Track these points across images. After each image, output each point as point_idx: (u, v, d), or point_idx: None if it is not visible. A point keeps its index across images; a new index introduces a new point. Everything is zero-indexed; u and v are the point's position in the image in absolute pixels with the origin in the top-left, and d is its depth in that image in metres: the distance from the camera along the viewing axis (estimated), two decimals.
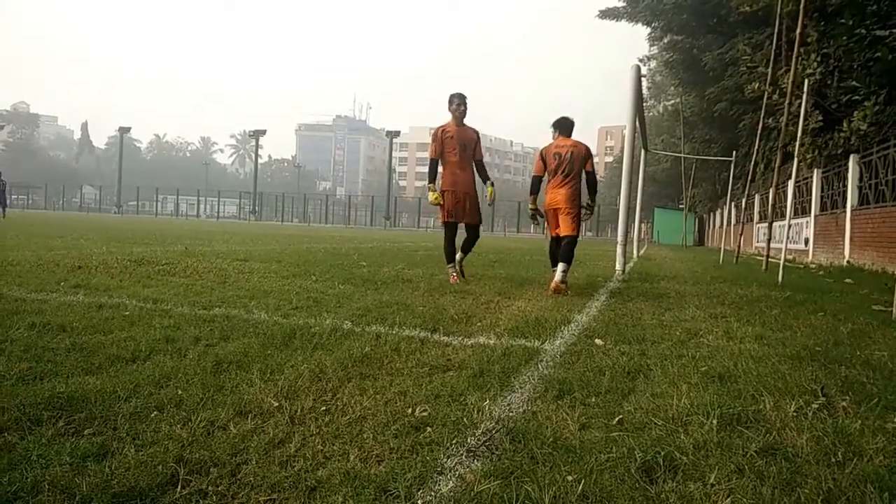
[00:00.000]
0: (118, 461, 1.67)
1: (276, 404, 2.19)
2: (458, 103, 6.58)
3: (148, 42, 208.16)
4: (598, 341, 3.55)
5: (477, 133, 6.78)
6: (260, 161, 71.68)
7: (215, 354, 2.82)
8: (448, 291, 5.67)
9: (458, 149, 6.57)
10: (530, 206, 6.92)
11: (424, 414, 2.16)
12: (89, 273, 5.73)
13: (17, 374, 2.36)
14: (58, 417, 1.97)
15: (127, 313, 3.71)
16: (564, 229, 6.38)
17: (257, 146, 64.00)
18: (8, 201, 26.67)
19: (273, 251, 10.39)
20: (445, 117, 6.61)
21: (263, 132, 61.04)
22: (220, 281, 5.68)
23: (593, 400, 2.41)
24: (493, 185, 6.87)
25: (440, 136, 6.57)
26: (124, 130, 64.07)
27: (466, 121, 6.66)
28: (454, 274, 6.70)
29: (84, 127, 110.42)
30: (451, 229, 6.68)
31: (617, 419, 2.18)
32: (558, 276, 6.03)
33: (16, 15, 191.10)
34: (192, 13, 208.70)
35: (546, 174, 6.55)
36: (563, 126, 6.60)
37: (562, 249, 6.30)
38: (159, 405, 2.12)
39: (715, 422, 2.14)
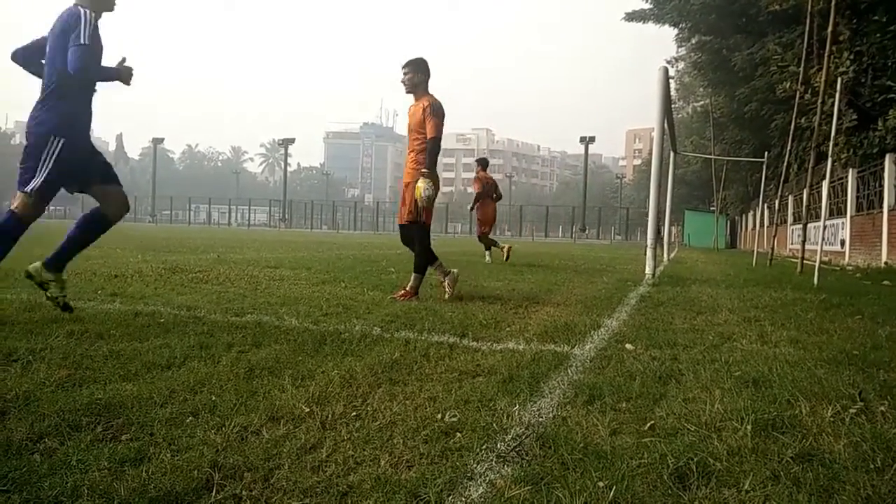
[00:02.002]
0: (155, 466, 1.71)
1: (308, 410, 2.21)
2: (404, 73, 5.54)
3: (179, 53, 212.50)
4: (628, 346, 3.52)
5: (426, 104, 5.41)
6: (289, 169, 72.63)
7: (248, 361, 2.86)
8: (476, 297, 5.68)
9: (408, 130, 5.64)
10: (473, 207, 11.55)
11: (454, 419, 2.16)
12: (125, 281, 5.85)
13: (56, 380, 2.43)
14: (96, 423, 2.01)
15: (162, 321, 3.79)
16: (489, 229, 11.49)
17: (286, 154, 64.77)
18: None
19: (303, 258, 10.50)
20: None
21: (292, 141, 61.81)
22: (252, 288, 5.76)
23: (624, 405, 2.39)
24: (426, 178, 5.38)
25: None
26: (157, 141, 65.43)
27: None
28: (445, 284, 5.65)
29: (119, 138, 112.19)
30: (402, 231, 5.81)
31: (648, 425, 2.16)
32: (489, 257, 11.18)
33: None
34: (219, 25, 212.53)
35: (481, 192, 11.31)
36: (486, 163, 11.60)
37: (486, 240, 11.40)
38: (194, 411, 2.16)
39: (749, 427, 2.10)
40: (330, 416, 2.17)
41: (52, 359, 2.76)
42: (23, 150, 3.69)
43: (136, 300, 4.66)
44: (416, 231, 5.64)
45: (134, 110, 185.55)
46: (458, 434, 2.03)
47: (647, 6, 25.03)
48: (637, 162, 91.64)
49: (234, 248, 13.60)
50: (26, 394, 2.24)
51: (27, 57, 3.85)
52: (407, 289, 5.53)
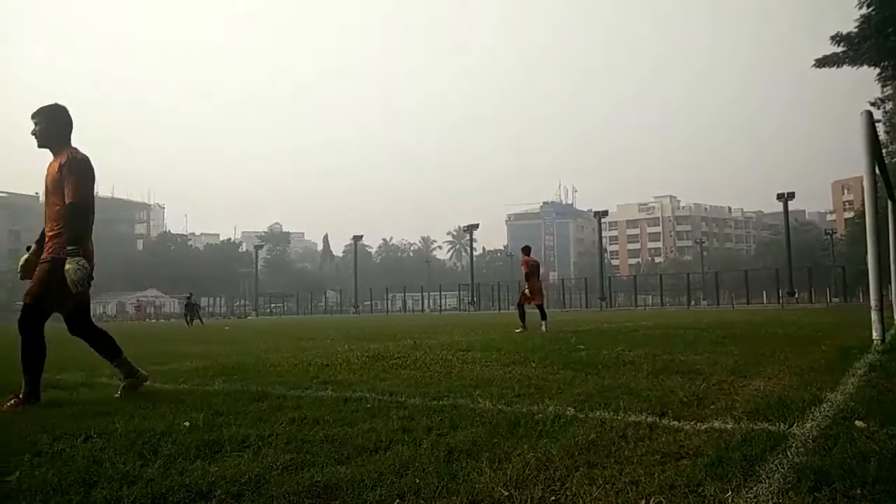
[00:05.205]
0: None
1: (507, 494, 2.23)
2: (34, 123, 4.52)
3: (371, 159, 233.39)
4: (858, 423, 3.12)
5: (63, 160, 4.40)
6: (475, 254, 75.02)
7: (447, 443, 2.96)
8: (675, 372, 5.36)
9: (45, 194, 4.53)
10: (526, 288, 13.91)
11: None
12: (335, 370, 6.35)
13: (282, 464, 2.69)
14: None
15: (368, 406, 4.05)
16: (541, 300, 13.96)
17: (472, 240, 67.21)
18: (199, 313, 34.71)
19: (492, 340, 10.68)
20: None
21: (476, 226, 64.12)
22: (446, 372, 5.96)
23: (859, 491, 2.12)
24: (74, 256, 4.25)
25: None
26: (357, 238, 71.37)
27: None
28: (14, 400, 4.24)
29: (325, 239, 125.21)
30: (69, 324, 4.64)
31: None
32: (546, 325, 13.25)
33: (264, 156, 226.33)
34: (402, 129, 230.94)
35: (529, 272, 13.93)
36: (529, 249, 14.53)
37: (540, 311, 13.83)
38: (400, 493, 2.28)
39: None
40: (529, 500, 2.17)
41: (277, 444, 3.06)
42: None
43: (345, 387, 5.03)
44: (22, 317, 4.36)
45: (337, 212, 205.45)
46: None
47: (839, 49, 23.22)
48: (849, 215, 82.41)
49: (428, 333, 14.20)
50: (257, 477, 2.50)
51: None
52: (20, 395, 4.28)
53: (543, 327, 13.13)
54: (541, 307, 13.85)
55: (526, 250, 14.59)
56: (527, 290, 13.88)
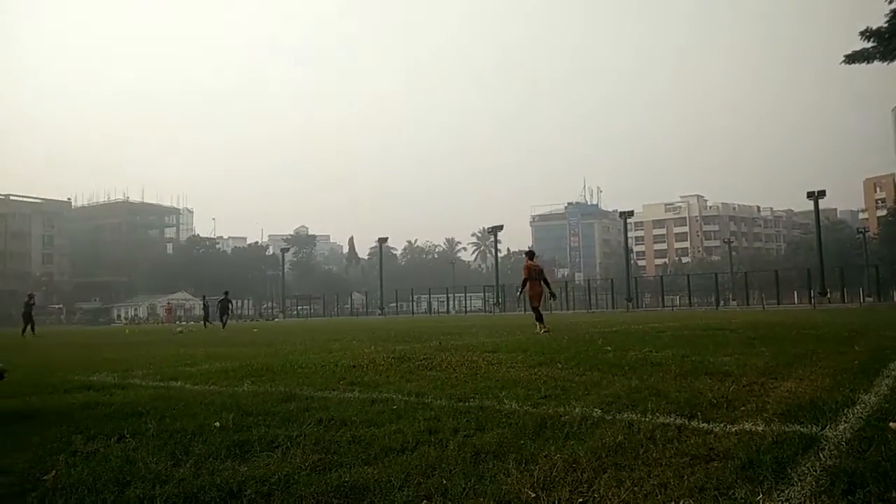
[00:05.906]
0: None
1: (534, 495, 2.23)
2: None
3: (396, 162, 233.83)
4: (893, 425, 3.06)
5: None
6: (500, 255, 74.78)
7: (473, 445, 2.96)
8: (704, 374, 5.30)
9: None
10: (526, 291, 14.33)
11: None
12: (362, 371, 6.39)
13: (310, 464, 2.72)
14: None
15: (395, 407, 4.07)
16: (538, 303, 14.27)
17: (496, 241, 67.06)
18: (230, 313, 34.01)
19: (518, 341, 10.64)
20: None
21: (501, 228, 63.93)
22: (472, 373, 5.96)
23: (893, 495, 2.08)
24: None
25: None
26: (382, 241, 71.59)
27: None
28: None
29: (350, 241, 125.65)
30: None
31: None
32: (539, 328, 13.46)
33: (290, 160, 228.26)
34: (426, 131, 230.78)
35: (528, 277, 14.23)
36: (532, 254, 15.41)
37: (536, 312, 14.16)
38: (428, 494, 2.29)
39: None
40: (556, 501, 2.16)
41: (305, 444, 3.09)
42: None
43: (372, 388, 5.06)
44: None
45: (362, 214, 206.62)
46: None
47: (869, 45, 22.76)
48: (882, 213, 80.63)
49: (453, 334, 14.20)
50: (287, 477, 2.54)
51: None
52: None
53: (537, 328, 13.68)
54: (536, 309, 14.41)
55: (529, 255, 15.43)
56: (526, 293, 14.45)
